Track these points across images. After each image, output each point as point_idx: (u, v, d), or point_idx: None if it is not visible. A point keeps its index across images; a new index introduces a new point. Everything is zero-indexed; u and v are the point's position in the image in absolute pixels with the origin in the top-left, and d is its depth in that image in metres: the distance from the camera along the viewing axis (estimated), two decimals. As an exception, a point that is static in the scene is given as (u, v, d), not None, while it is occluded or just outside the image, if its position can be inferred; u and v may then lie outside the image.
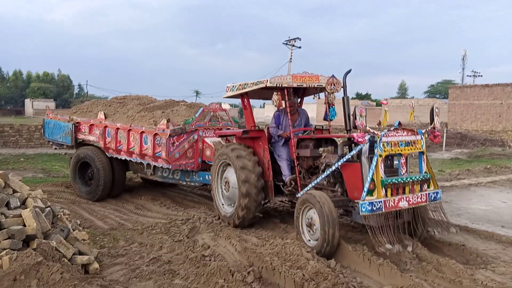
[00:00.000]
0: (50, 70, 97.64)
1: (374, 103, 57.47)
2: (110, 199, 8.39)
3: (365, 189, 4.75)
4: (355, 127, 4.96)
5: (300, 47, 36.47)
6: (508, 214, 7.24)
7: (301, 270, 4.21)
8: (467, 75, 54.14)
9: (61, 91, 78.64)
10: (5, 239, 3.98)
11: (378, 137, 4.82)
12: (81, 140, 8.84)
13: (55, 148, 9.88)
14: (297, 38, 35.94)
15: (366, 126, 4.83)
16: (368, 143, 4.88)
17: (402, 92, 79.51)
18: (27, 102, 60.64)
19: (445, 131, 21.77)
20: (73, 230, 5.09)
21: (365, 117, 4.85)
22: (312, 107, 44.00)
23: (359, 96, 68.89)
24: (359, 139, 4.78)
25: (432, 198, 5.19)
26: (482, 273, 4.49)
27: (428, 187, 5.24)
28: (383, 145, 4.84)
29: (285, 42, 36.31)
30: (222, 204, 6.63)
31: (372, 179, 4.78)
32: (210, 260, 4.83)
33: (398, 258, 4.78)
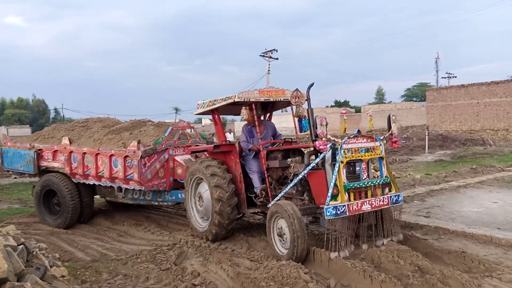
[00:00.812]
0: (25, 95, 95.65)
1: (353, 110, 58.03)
2: (91, 227, 7.97)
3: (329, 194, 4.88)
4: (316, 136, 5.11)
5: (277, 59, 36.78)
6: (502, 215, 7.13)
7: (300, 295, 3.93)
8: (442, 77, 55.42)
9: (37, 116, 77.37)
10: (-28, 286, 3.61)
11: (339, 145, 5.02)
12: (44, 168, 8.43)
13: (15, 178, 9.45)
14: (274, 49, 36.26)
15: (326, 134, 5.04)
16: (330, 151, 5.11)
17: (380, 98, 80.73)
18: (2, 129, 59.18)
19: (426, 134, 21.93)
20: (51, 266, 4.70)
21: (326, 126, 5.06)
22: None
23: (338, 104, 69.54)
24: (321, 147, 4.99)
25: (394, 201, 5.37)
26: (489, 282, 4.27)
27: (390, 190, 5.39)
28: (344, 152, 5.05)
29: (262, 54, 36.54)
30: (196, 219, 6.72)
31: (335, 185, 4.94)
32: (201, 289, 4.50)
33: (400, 272, 4.55)
